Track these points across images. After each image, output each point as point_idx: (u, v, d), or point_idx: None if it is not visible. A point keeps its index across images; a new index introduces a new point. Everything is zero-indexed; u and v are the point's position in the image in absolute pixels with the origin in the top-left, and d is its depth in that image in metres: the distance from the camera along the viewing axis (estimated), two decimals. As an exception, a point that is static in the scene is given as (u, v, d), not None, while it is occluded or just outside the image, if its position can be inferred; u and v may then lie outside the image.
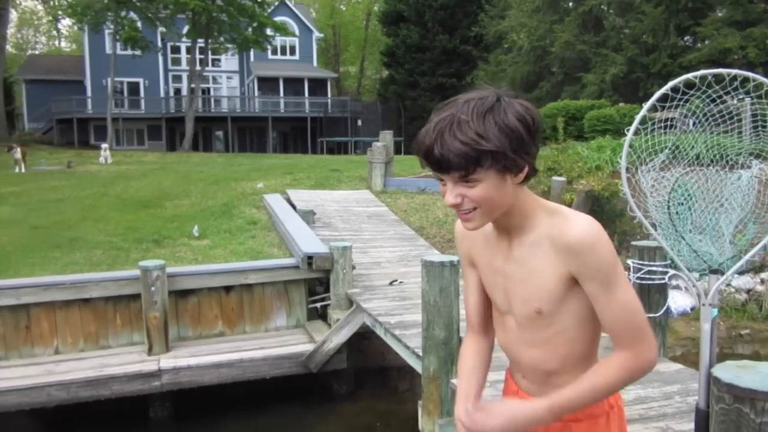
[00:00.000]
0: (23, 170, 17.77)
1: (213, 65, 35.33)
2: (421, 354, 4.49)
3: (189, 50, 30.92)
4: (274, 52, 35.61)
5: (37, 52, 52.18)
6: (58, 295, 5.97)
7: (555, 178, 9.77)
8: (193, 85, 29.17)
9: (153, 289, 5.88)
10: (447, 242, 9.55)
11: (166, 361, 5.81)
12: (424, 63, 33.24)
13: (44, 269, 6.96)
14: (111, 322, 6.20)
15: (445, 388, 4.22)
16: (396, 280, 6.97)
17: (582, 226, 1.29)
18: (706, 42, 20.59)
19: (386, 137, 13.27)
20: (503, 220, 1.36)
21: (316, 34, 38.57)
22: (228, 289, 6.59)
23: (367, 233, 9.26)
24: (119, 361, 5.81)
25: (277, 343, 6.37)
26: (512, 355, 1.52)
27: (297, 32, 36.12)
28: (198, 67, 28.98)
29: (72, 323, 6.08)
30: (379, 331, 5.66)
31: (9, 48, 42.70)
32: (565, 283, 1.32)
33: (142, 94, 35.16)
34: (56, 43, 58.86)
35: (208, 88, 36.01)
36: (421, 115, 34.78)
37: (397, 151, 19.62)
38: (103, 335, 6.19)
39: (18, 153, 18.03)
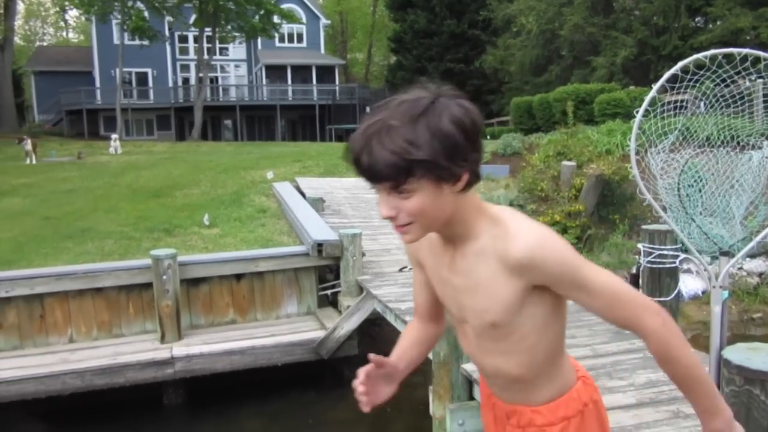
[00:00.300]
0: (34, 162, 17.90)
1: (221, 54, 35.31)
2: (431, 339, 4.50)
3: (196, 39, 30.92)
4: (282, 39, 35.50)
5: (45, 44, 52.35)
6: (71, 285, 6.03)
7: (565, 162, 9.72)
8: (201, 74, 29.18)
9: (165, 277, 5.93)
10: (456, 228, 9.54)
11: (179, 349, 5.86)
12: (432, 48, 33.02)
13: (57, 259, 7.03)
14: (124, 311, 6.26)
15: (456, 374, 4.23)
16: (406, 267, 6.98)
17: (525, 240, 1.20)
18: (718, 23, 20.30)
19: (394, 124, 13.22)
20: (445, 230, 1.27)
21: (323, 20, 38.39)
22: (239, 277, 6.63)
23: (377, 220, 9.27)
24: (132, 350, 5.87)
25: (288, 330, 6.41)
26: (476, 362, 1.47)
27: (304, 19, 35.99)
28: (206, 56, 28.98)
29: (85, 312, 6.15)
30: (390, 318, 5.68)
31: (17, 39, 42.83)
32: (520, 296, 1.26)
33: (150, 84, 35.22)
34: (64, 34, 59.02)
35: (216, 77, 36.02)
36: (429, 101, 34.58)
37: (406, 138, 19.53)
38: (116, 324, 6.26)
39: (29, 144, 18.17)
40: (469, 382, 4.26)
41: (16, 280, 5.89)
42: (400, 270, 6.89)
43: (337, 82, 36.16)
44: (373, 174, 1.13)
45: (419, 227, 1.20)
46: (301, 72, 34.94)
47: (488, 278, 1.26)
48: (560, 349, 1.39)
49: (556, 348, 1.37)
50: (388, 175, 1.11)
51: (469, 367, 4.31)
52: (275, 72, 34.53)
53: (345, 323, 6.23)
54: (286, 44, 36.43)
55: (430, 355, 4.56)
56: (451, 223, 1.24)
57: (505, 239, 1.22)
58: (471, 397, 4.25)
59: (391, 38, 36.97)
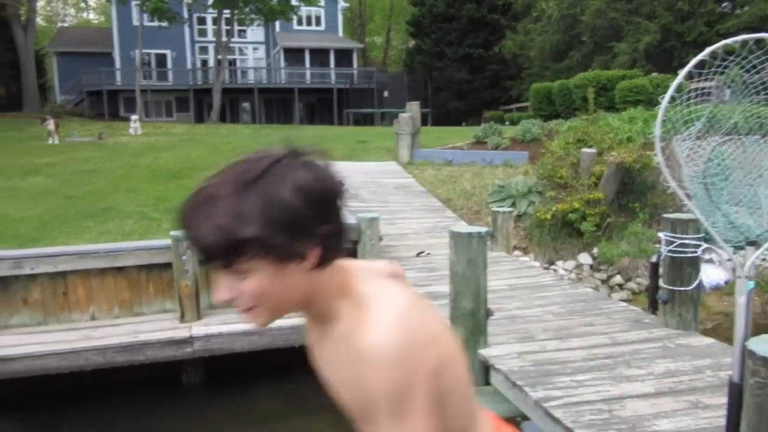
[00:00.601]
0: (56, 141, 18.10)
1: (239, 36, 35.28)
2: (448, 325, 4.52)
3: (215, 21, 30.90)
4: (300, 22, 35.39)
5: (66, 25, 52.68)
6: (93, 263, 6.12)
7: (585, 149, 9.62)
8: (219, 57, 29.20)
9: (184, 258, 5.99)
10: (474, 214, 9.52)
11: (198, 329, 5.94)
12: (450, 33, 32.77)
13: (79, 238, 7.13)
14: (144, 290, 6.35)
15: (473, 359, 4.25)
16: (423, 252, 6.99)
17: (374, 334, 0.95)
18: (746, 8, 19.89)
19: (413, 108, 13.19)
20: (305, 310, 1.07)
21: (342, 3, 38.17)
22: (257, 259, 6.67)
23: (394, 205, 9.28)
24: (152, 328, 5.96)
25: (305, 312, 6.46)
26: None
27: (322, 2, 35.76)
28: (224, 39, 28.98)
29: (107, 290, 6.24)
30: (407, 302, 5.70)
31: (39, 20, 43.17)
32: None
33: (169, 65, 35.35)
34: (85, 15, 59.35)
35: (235, 60, 36.04)
36: (448, 86, 34.43)
37: (424, 123, 19.49)
38: (137, 302, 6.35)
39: (51, 125, 18.36)
40: (486, 368, 4.27)
41: (40, 257, 5.99)
42: (418, 255, 6.91)
43: (355, 65, 35.99)
44: (199, 252, 0.94)
45: (267, 311, 0.99)
46: (319, 55, 34.84)
47: (343, 371, 1.03)
48: (469, 423, 1.15)
49: (462, 424, 1.13)
50: (214, 254, 0.92)
51: (486, 352, 4.33)
52: (293, 55, 34.46)
53: (362, 307, 6.26)
54: (305, 27, 36.32)
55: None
56: (309, 304, 1.04)
57: (357, 326, 0.98)
58: (488, 383, 4.26)
59: (410, 22, 36.74)
